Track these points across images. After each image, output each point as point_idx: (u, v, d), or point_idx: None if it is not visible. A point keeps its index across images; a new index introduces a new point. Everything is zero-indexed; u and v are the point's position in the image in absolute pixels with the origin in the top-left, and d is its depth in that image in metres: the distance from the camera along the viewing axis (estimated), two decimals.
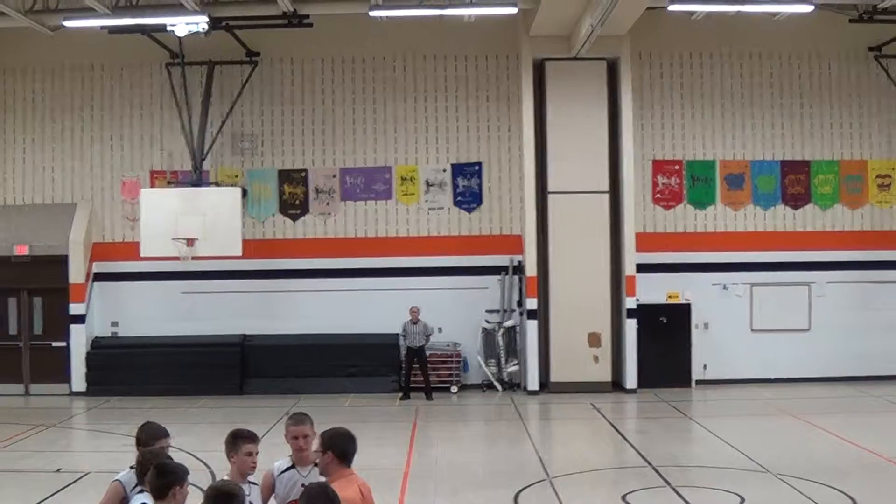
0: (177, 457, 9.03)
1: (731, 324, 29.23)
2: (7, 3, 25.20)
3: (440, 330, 29.03)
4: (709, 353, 29.10)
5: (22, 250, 29.70)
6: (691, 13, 27.62)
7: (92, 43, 29.09)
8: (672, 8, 25.91)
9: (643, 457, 19.52)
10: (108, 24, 26.23)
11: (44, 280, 29.74)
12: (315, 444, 8.82)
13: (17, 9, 25.60)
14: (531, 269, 28.48)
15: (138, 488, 8.41)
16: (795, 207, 29.69)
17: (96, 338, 29.95)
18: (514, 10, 25.63)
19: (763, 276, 29.34)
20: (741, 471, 17.93)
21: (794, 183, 29.64)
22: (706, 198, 29.66)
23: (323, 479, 8.36)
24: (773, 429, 22.80)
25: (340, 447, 8.49)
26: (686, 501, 15.81)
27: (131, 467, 8.79)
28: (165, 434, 9.27)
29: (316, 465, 8.90)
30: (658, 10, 26.70)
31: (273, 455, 10.01)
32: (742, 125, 29.66)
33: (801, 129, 29.71)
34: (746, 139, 29.68)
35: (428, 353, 28.35)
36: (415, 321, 28.04)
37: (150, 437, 9.15)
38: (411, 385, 28.23)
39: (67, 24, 25.77)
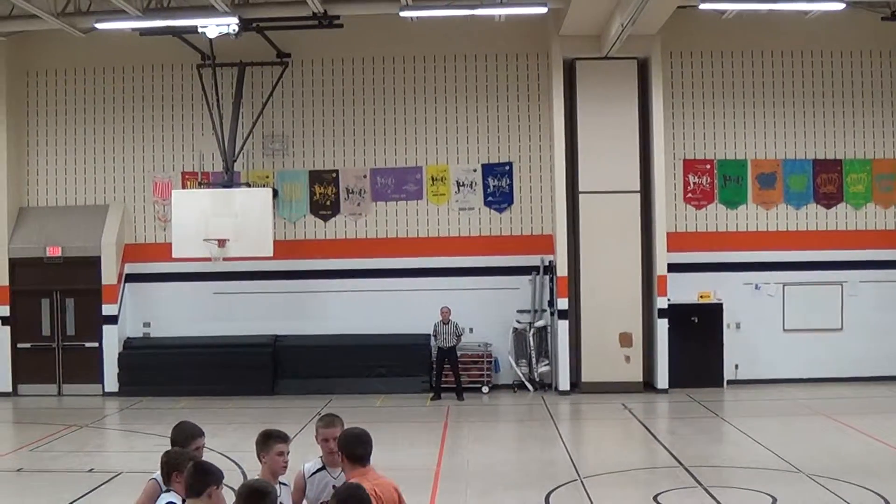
0: (208, 457, 9.05)
1: (763, 323, 29.11)
2: (39, 5, 25.33)
3: (471, 330, 29.06)
4: (740, 352, 28.97)
5: (55, 252, 29.86)
6: (722, 11, 27.54)
7: (123, 45, 29.22)
8: (703, 6, 25.82)
9: (675, 457, 19.47)
10: (140, 26, 26.32)
11: (76, 281, 29.90)
12: None
13: (50, 11, 25.73)
14: (562, 269, 28.43)
15: (165, 488, 8.46)
16: (827, 207, 29.53)
17: (128, 338, 30.08)
18: (544, 10, 25.57)
19: (795, 276, 29.19)
20: (773, 471, 17.86)
21: (826, 182, 29.49)
22: (738, 197, 29.54)
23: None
24: (806, 429, 22.72)
25: (349, 449, 8.51)
26: (718, 502, 15.76)
27: None
28: (200, 434, 9.30)
29: None
30: (689, 9, 26.64)
31: (304, 455, 10.03)
32: (773, 124, 29.51)
33: (833, 128, 29.53)
34: (778, 138, 29.54)
35: (459, 353, 28.34)
36: (446, 321, 28.03)
37: (185, 437, 9.18)
38: (442, 385, 28.25)
39: (99, 26, 25.89)
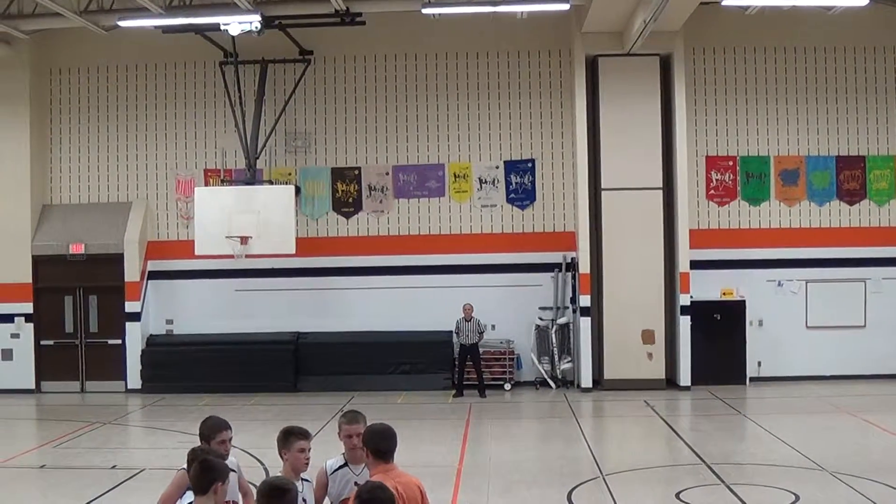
0: (232, 453, 9.07)
1: (786, 320, 29.01)
2: (62, 3, 25.42)
3: (493, 327, 29.06)
4: (763, 349, 28.89)
5: (78, 249, 29.97)
6: (745, 7, 27.44)
7: (146, 42, 29.32)
8: (726, 3, 25.80)
9: (697, 454, 19.43)
10: (162, 23, 26.40)
11: (99, 278, 30.02)
12: None
13: (72, 9, 25.82)
14: (584, 266, 28.38)
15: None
16: (851, 203, 29.42)
17: (151, 335, 30.18)
18: (566, 7, 25.56)
19: (818, 273, 29.09)
20: (796, 469, 17.82)
21: (850, 178, 29.38)
22: (760, 194, 29.45)
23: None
24: (829, 426, 22.62)
25: (373, 444, 8.50)
26: (740, 499, 15.71)
27: None
28: (227, 427, 9.38)
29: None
30: (712, 5, 26.61)
31: (326, 452, 10.04)
32: (797, 120, 29.40)
33: (857, 125, 29.40)
34: (801, 134, 29.43)
35: (481, 350, 28.33)
36: (468, 318, 28.02)
37: (211, 431, 9.28)
38: (464, 382, 28.24)
39: (122, 23, 25.99)
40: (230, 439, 9.36)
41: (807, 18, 28.47)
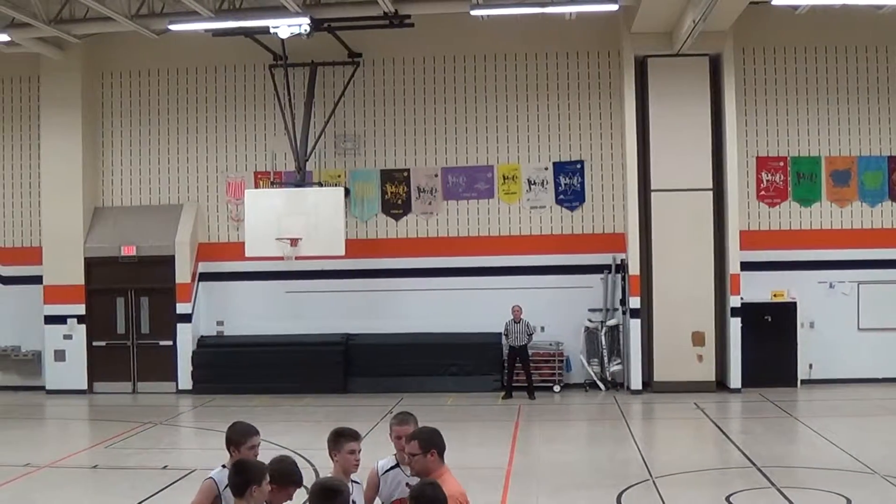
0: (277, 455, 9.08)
1: (838, 322, 28.77)
2: (114, 8, 25.62)
3: (543, 329, 29.03)
4: (815, 352, 28.66)
5: (129, 251, 30.20)
6: (795, 7, 27.27)
7: (196, 46, 29.51)
8: (776, 2, 25.65)
9: (747, 457, 19.32)
10: (212, 27, 26.58)
11: (151, 280, 30.24)
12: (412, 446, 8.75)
13: (124, 14, 26.02)
14: (634, 268, 28.30)
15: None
16: None
17: (202, 337, 30.37)
18: (615, 8, 25.51)
19: (870, 274, 28.82)
20: (847, 472, 17.68)
21: None
22: (811, 194, 29.25)
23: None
24: (881, 429, 22.46)
25: (440, 445, 8.51)
26: (791, 503, 15.61)
27: (223, 466, 8.89)
28: (255, 432, 9.28)
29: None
30: (761, 5, 26.45)
31: (376, 454, 10.05)
32: (848, 120, 29.16)
33: None
34: (852, 135, 29.17)
35: (530, 352, 28.30)
36: (517, 320, 28.00)
37: (242, 436, 9.17)
38: (513, 384, 28.22)
39: (172, 27, 26.21)
40: (258, 444, 9.32)
41: (857, 18, 28.20)
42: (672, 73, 28.07)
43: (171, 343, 30.15)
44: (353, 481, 8.92)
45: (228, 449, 9.13)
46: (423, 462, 8.47)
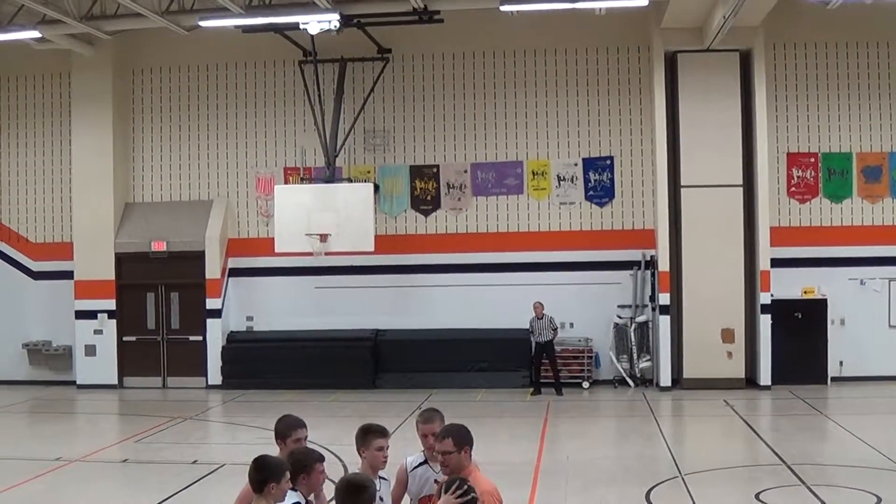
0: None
1: (869, 319, 28.60)
2: (144, 4, 25.71)
3: (571, 325, 29.01)
4: (845, 349, 28.50)
5: (159, 246, 30.33)
6: (826, 2, 27.08)
7: (226, 42, 29.58)
8: None
9: (777, 455, 19.24)
10: (242, 23, 26.63)
11: (181, 275, 30.36)
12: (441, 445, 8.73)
13: (154, 10, 26.11)
14: (664, 264, 28.22)
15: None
16: None
17: (232, 332, 30.46)
18: (644, 3, 25.38)
19: None
20: (878, 470, 17.56)
21: None
22: (842, 191, 29.09)
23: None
24: None
25: (472, 441, 8.53)
26: (821, 501, 15.52)
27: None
28: (302, 425, 9.34)
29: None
30: (792, 0, 26.31)
31: (405, 450, 10.05)
32: (879, 116, 28.98)
33: None
34: (884, 131, 28.98)
35: (559, 348, 28.28)
36: (539, 316, 27.92)
37: (288, 428, 9.25)
38: (541, 380, 28.19)
39: (202, 24, 26.23)
40: (305, 437, 9.37)
41: (889, 13, 27.98)
42: (702, 69, 27.97)
43: (200, 338, 30.28)
44: (380, 478, 8.92)
45: (276, 441, 9.25)
46: (457, 459, 8.46)
